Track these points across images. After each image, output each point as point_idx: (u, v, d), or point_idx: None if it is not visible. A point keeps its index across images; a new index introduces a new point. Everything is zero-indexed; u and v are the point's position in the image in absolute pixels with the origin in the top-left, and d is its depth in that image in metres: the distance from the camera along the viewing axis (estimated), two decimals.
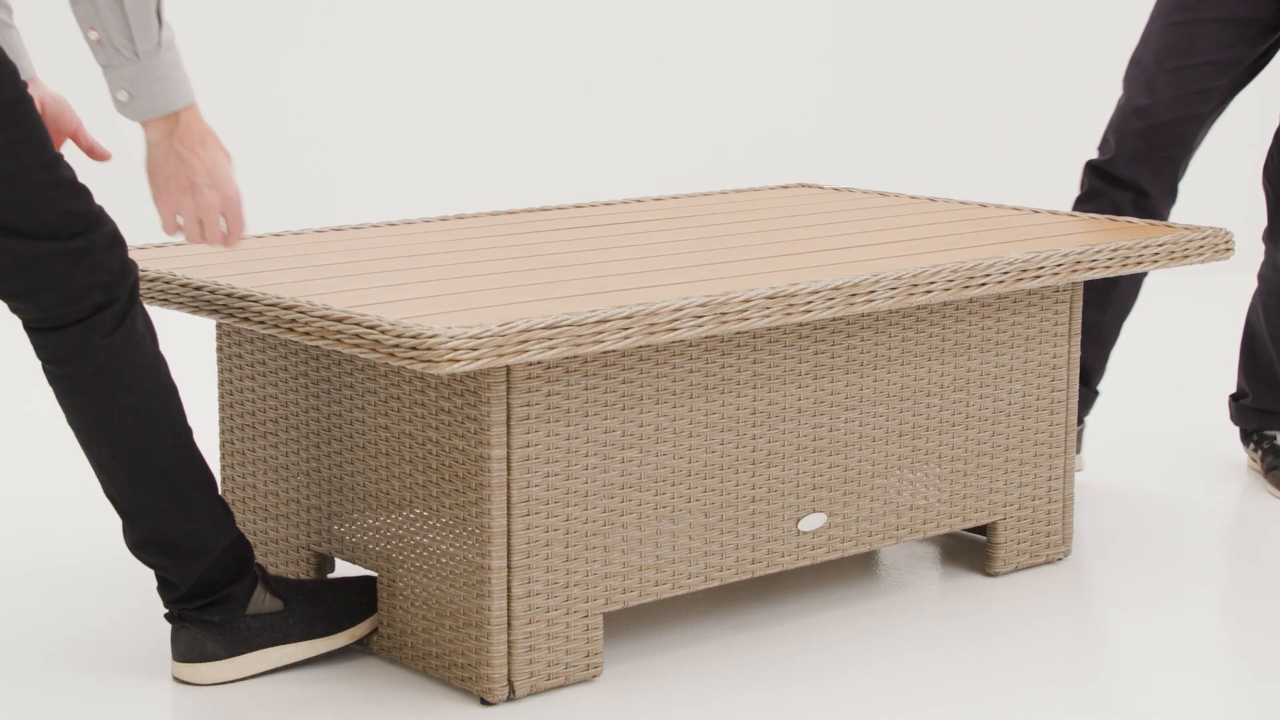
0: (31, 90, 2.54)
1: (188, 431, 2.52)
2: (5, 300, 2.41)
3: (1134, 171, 3.43)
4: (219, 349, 2.87)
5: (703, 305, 2.51)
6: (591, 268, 2.77)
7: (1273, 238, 3.53)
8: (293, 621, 2.63)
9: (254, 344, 2.80)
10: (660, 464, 2.65)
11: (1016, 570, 3.13)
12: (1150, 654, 2.79)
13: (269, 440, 2.82)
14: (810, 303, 2.61)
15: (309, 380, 2.73)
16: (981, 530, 3.23)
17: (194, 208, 2.40)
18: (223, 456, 2.91)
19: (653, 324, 2.47)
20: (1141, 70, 3.43)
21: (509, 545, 2.52)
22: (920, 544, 3.27)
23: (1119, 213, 3.44)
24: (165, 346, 4.63)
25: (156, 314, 5.16)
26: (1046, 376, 3.08)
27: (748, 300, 2.55)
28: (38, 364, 4.61)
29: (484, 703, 2.56)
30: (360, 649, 2.74)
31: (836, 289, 2.64)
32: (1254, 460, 3.69)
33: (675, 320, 2.49)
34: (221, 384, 2.89)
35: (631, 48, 6.39)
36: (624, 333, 2.45)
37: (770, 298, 2.57)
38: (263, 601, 2.61)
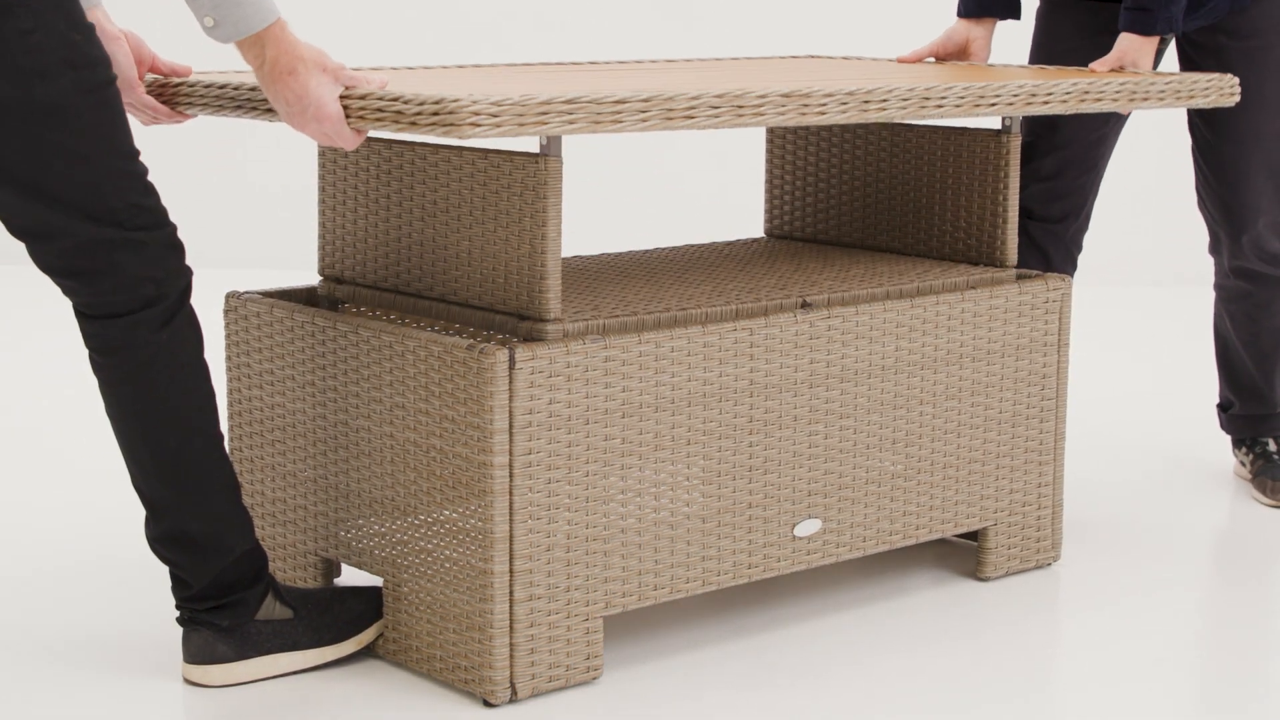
0: (97, 15, 2.59)
1: (219, 437, 2.58)
2: (61, 280, 2.49)
3: (1044, 204, 3.48)
4: (228, 358, 2.90)
5: (720, 95, 2.53)
6: (616, 73, 2.79)
7: (1216, 250, 3.58)
8: (302, 629, 2.68)
9: (262, 353, 2.84)
10: (659, 471, 2.68)
11: (1007, 575, 3.16)
12: (1138, 657, 2.82)
13: (276, 448, 2.86)
14: (825, 104, 2.62)
15: (315, 389, 2.77)
16: (973, 536, 3.26)
17: (304, 132, 2.46)
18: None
19: (670, 109, 2.47)
20: None
21: (511, 550, 2.55)
22: (913, 549, 3.31)
23: (1034, 246, 3.49)
24: None
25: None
26: (1036, 386, 3.12)
27: (764, 96, 2.57)
28: (47, 369, 4.64)
29: (487, 704, 2.60)
30: (366, 652, 2.77)
31: (850, 93, 2.66)
32: (1243, 465, 3.71)
33: (692, 108, 2.50)
34: (230, 392, 2.92)
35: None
36: (642, 115, 2.45)
37: (786, 95, 2.59)
38: (273, 609, 2.66)
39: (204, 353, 2.57)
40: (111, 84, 2.44)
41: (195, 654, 2.63)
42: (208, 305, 5.26)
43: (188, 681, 2.65)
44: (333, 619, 2.70)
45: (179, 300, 2.52)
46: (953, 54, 3.51)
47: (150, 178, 2.52)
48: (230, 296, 2.88)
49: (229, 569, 2.60)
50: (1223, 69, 3.41)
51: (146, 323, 2.50)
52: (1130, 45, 3.26)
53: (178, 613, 2.65)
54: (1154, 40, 3.26)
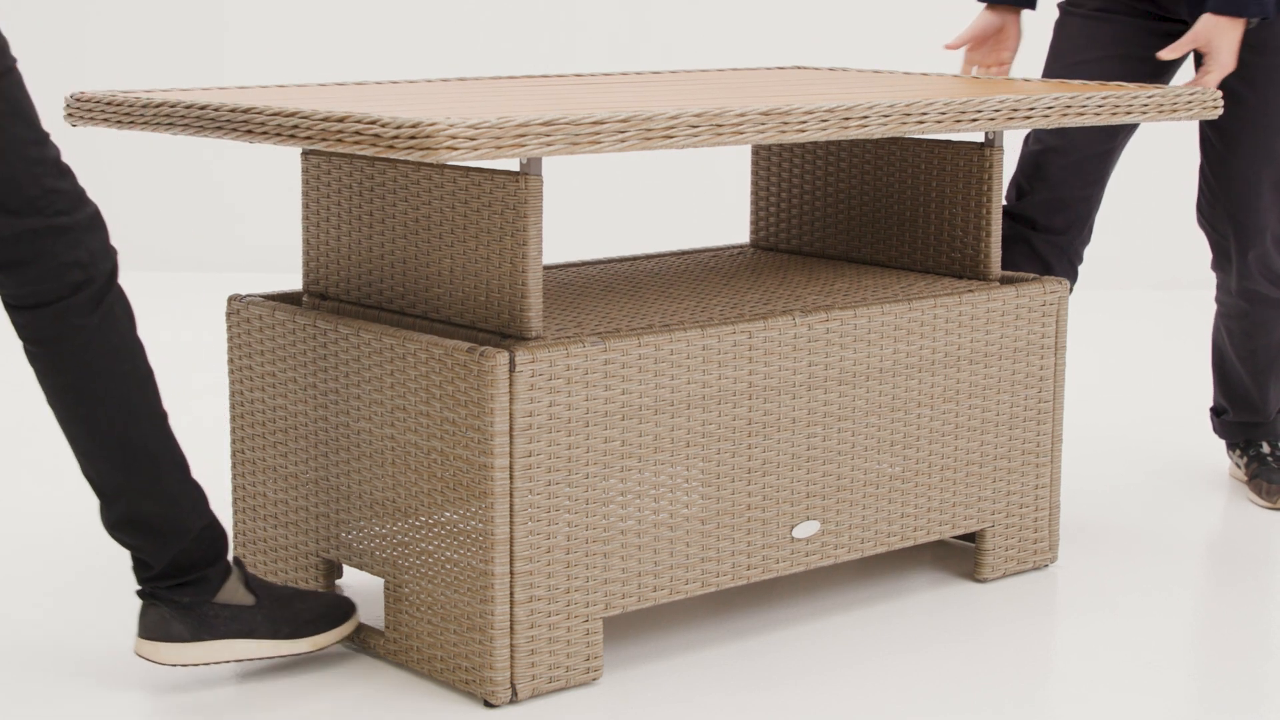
0: None
1: (163, 415, 2.55)
2: None
3: (1047, 214, 3.49)
4: (230, 361, 2.92)
5: (699, 115, 2.51)
6: (597, 88, 2.78)
7: (1221, 266, 3.58)
8: (260, 617, 2.65)
9: (264, 356, 2.86)
10: (658, 473, 2.70)
11: (1004, 576, 3.18)
12: (1135, 658, 2.84)
13: (279, 450, 2.88)
14: (804, 122, 2.62)
15: (317, 391, 2.79)
16: (970, 537, 3.28)
17: None
18: (234, 465, 2.96)
19: (648, 129, 2.46)
20: None
21: (511, 552, 2.57)
22: (911, 550, 3.32)
23: (1036, 256, 3.50)
24: (178, 356, 4.67)
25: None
26: (1034, 388, 3.14)
27: (743, 114, 2.56)
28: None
29: (487, 705, 2.61)
30: (367, 653, 2.79)
31: (830, 110, 2.65)
32: (1238, 466, 3.73)
33: (671, 128, 2.48)
34: (232, 394, 2.94)
35: None
36: (620, 136, 2.44)
37: (765, 114, 2.58)
38: (235, 593, 2.63)
39: (137, 332, 2.53)
40: (12, 70, 2.37)
41: (149, 630, 2.60)
42: (211, 309, 5.29)
43: (138, 656, 2.62)
44: (292, 614, 2.68)
45: (107, 282, 2.49)
46: (988, 42, 3.49)
47: (64, 159, 2.45)
48: (233, 300, 2.89)
49: (189, 548, 2.58)
50: (1244, 83, 3.38)
51: (76, 308, 2.46)
52: (1211, 27, 3.16)
53: (139, 588, 2.64)
54: (1240, 24, 3.15)
